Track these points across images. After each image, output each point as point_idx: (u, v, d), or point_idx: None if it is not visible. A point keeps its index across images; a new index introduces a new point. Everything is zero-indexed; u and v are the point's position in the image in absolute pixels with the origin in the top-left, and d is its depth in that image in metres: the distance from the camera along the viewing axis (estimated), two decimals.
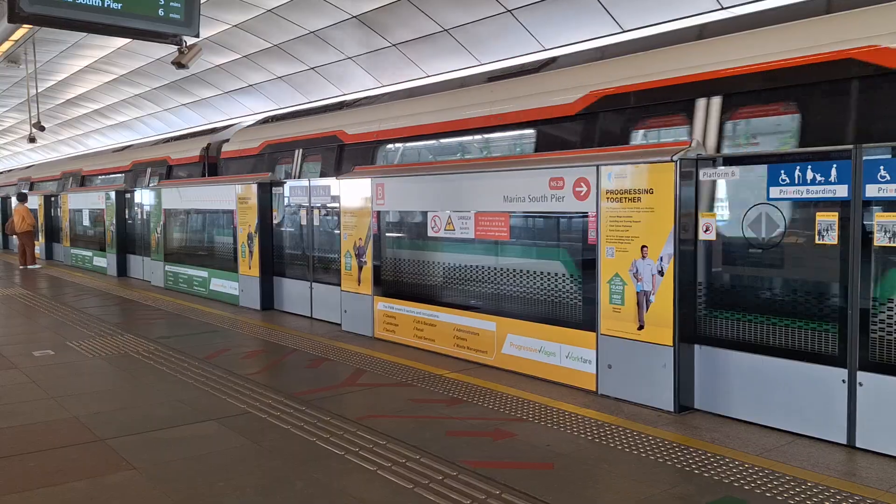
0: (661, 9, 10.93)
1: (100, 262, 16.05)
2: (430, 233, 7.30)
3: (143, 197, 14.10)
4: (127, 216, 15.16)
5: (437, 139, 8.57)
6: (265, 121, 13.04)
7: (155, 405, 5.47)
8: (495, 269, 6.80)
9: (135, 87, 23.78)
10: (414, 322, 7.43)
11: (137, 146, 19.46)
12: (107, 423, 5.02)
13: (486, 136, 7.94)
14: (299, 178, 10.44)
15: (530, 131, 7.28)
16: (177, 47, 8.26)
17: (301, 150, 10.66)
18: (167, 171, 14.96)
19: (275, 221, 10.20)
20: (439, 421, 5.01)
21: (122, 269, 15.19)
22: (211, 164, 13.43)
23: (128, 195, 15.11)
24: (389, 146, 9.25)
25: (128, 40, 17.71)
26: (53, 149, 38.24)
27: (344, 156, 9.72)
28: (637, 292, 5.32)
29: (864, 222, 4.35)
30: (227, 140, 13.10)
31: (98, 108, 27.92)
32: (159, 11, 6.46)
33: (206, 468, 4.18)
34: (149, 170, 15.91)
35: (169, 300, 11.26)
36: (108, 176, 18.80)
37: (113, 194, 15.14)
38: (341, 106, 11.19)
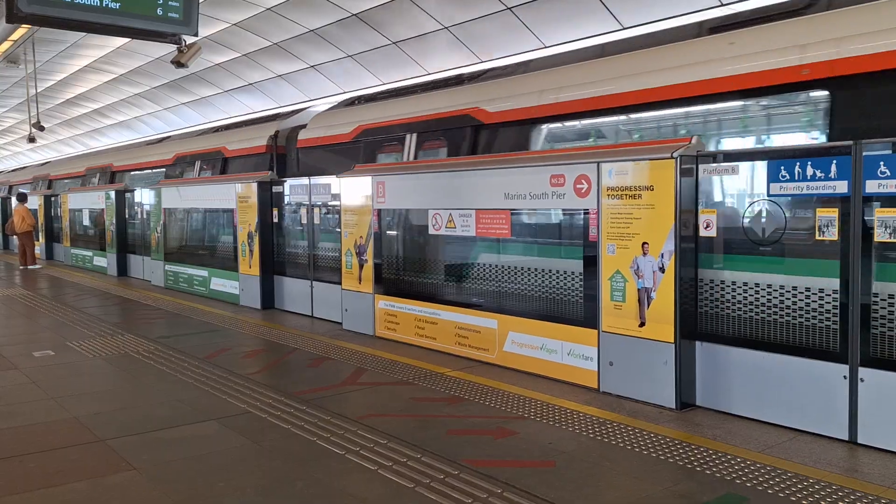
0: (661, 6, 10.91)
1: (100, 261, 16.05)
2: (431, 230, 7.29)
3: (143, 196, 14.09)
4: (127, 215, 15.14)
5: (635, 112, 6.28)
6: (351, 102, 10.73)
7: (155, 405, 5.46)
8: (496, 266, 6.78)
9: (134, 87, 23.77)
10: (415, 320, 7.42)
11: (178, 137, 17.17)
12: (107, 423, 5.02)
13: (733, 103, 5.63)
14: None
15: (818, 93, 5.09)
16: (176, 46, 8.26)
17: (415, 135, 8.44)
18: (222, 165, 12.72)
19: (275, 220, 10.20)
20: (441, 419, 5.00)
21: (123, 269, 15.18)
22: (280, 155, 11.31)
23: (128, 194, 15.10)
24: (559, 125, 7.01)
25: (127, 40, 17.70)
26: (53, 148, 38.25)
27: (481, 139, 7.61)
28: (638, 289, 5.31)
29: (865, 218, 4.34)
30: (303, 126, 10.84)
31: (98, 107, 27.91)
32: (158, 11, 6.44)
33: (206, 468, 4.18)
34: (197, 163, 13.70)
35: (169, 300, 11.25)
36: (144, 171, 16.51)
37: (113, 194, 15.14)
38: (460, 80, 8.86)
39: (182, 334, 8.30)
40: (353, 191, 8.22)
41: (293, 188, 9.80)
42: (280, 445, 4.51)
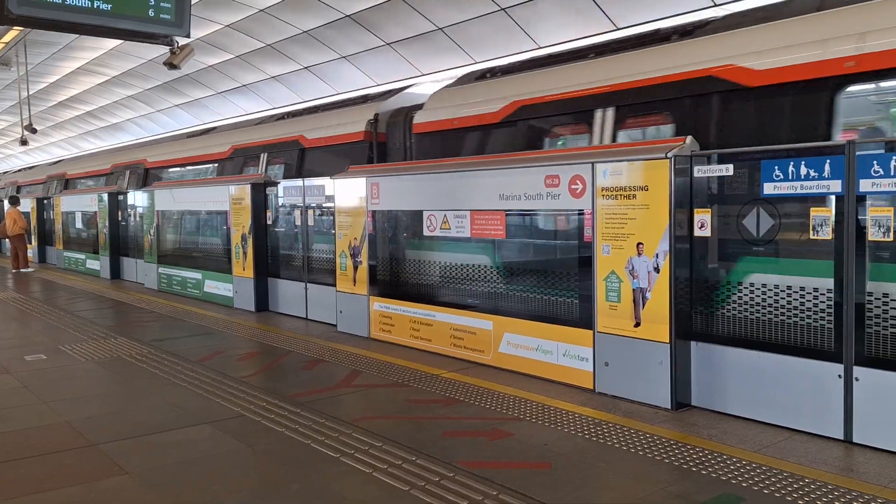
0: (655, 7, 10.93)
1: (93, 264, 15.98)
2: (426, 232, 7.27)
3: (136, 199, 14.03)
4: (120, 218, 15.06)
5: None
6: (482, 75, 8.46)
7: (148, 409, 5.43)
8: (491, 267, 6.77)
9: (127, 89, 23.70)
10: (410, 322, 7.40)
11: (226, 128, 14.55)
12: (99, 427, 4.98)
13: None
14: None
15: None
16: (168, 48, 8.22)
17: (612, 110, 6.29)
18: (299, 157, 10.57)
19: (269, 222, 10.15)
20: (436, 421, 4.98)
21: (116, 272, 15.12)
22: (380, 143, 9.34)
23: (120, 197, 15.04)
24: None
25: (119, 42, 17.63)
26: (46, 151, 38.11)
27: (737, 109, 5.53)
28: (633, 289, 5.31)
29: (859, 217, 4.34)
30: (417, 107, 8.85)
31: (90, 109, 27.82)
32: (149, 12, 6.41)
33: (200, 472, 4.15)
34: (263, 156, 11.46)
35: (162, 302, 11.20)
36: (188, 168, 14.28)
37: (106, 196, 15.07)
38: (659, 37, 6.62)
39: (175, 337, 8.26)
40: (348, 192, 8.20)
41: (287, 190, 9.76)
42: (274, 449, 4.49)
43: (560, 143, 7.03)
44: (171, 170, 15.04)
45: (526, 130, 7.17)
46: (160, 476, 4.09)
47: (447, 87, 8.90)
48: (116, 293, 12.61)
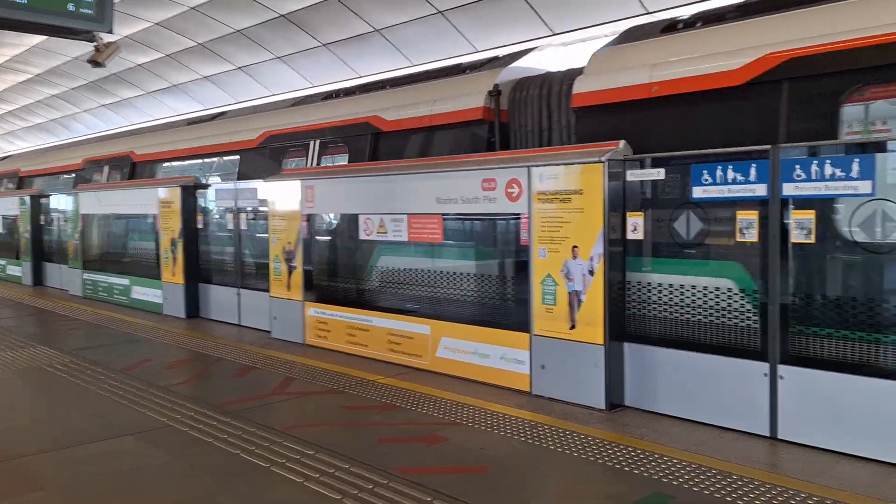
0: (589, 13, 11.12)
1: (14, 270, 15.24)
2: (363, 236, 7.17)
3: (60, 202, 13.44)
4: (43, 222, 14.39)
5: None
6: (671, 25, 5.91)
7: (68, 421, 5.16)
8: (429, 271, 6.72)
9: (51, 88, 22.75)
10: (346, 327, 7.28)
11: (245, 112, 11.27)
12: (16, 441, 4.70)
13: None
14: None
15: None
16: (92, 45, 7.87)
17: None
18: (371, 144, 8.04)
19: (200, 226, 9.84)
20: (371, 428, 4.90)
21: (38, 278, 14.47)
22: (502, 124, 6.93)
23: (43, 200, 14.38)
24: None
25: (42, 38, 16.91)
26: None
27: None
28: (569, 292, 5.35)
29: (783, 220, 4.48)
30: (574, 74, 6.33)
31: (12, 109, 26.58)
32: (69, 6, 6.11)
33: (122, 486, 3.95)
34: (314, 144, 8.88)
35: (87, 310, 10.74)
36: (195, 160, 11.41)
37: (28, 199, 14.40)
38: None
39: (100, 345, 7.91)
40: (282, 195, 8.02)
41: (219, 193, 9.50)
42: (202, 460, 4.32)
43: (875, 107, 4.72)
44: (171, 163, 11.98)
45: (796, 93, 4.88)
46: (79, 491, 3.88)
47: (611, 45, 6.29)
48: (38, 300, 12.02)
